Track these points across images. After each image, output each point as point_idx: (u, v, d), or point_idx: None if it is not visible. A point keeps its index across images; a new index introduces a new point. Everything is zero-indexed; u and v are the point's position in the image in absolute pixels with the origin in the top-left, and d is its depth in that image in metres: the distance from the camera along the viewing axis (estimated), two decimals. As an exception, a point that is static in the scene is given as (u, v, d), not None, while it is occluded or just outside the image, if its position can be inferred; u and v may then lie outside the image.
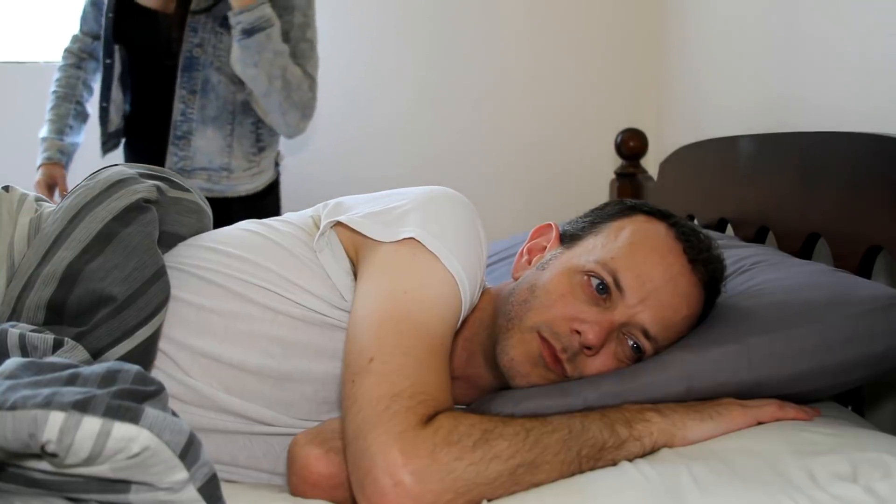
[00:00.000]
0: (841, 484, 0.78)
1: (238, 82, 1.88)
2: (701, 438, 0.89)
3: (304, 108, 1.89)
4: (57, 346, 0.83)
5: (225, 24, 1.85)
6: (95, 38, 2.04)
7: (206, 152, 1.91)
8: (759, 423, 0.92)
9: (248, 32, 1.78)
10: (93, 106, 2.06)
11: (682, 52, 2.22)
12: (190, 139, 1.90)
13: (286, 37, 1.85)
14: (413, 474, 0.73)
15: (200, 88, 1.88)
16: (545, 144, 2.50)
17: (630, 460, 0.84)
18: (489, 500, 0.77)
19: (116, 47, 1.94)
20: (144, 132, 1.99)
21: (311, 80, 1.89)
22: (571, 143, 2.49)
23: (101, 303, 0.89)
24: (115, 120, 1.98)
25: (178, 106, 1.89)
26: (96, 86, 2.05)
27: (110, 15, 1.91)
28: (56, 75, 2.07)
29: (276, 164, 2.06)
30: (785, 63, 1.60)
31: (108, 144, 2.01)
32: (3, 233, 0.97)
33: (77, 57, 2.08)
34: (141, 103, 1.98)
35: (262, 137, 1.96)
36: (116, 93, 1.96)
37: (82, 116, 2.09)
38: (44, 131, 2.05)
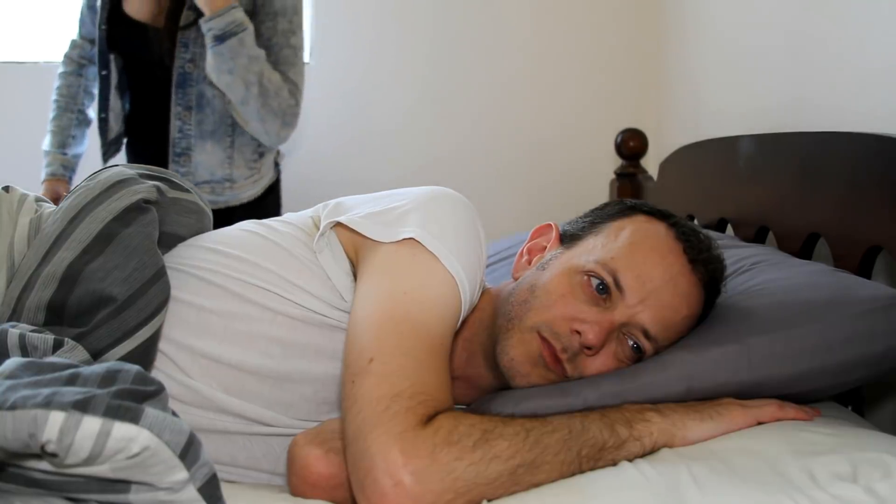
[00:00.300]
0: (841, 484, 0.78)
1: None
2: (701, 438, 0.89)
3: (285, 115, 1.86)
4: (57, 346, 0.83)
5: None
6: (93, 42, 2.03)
7: (207, 166, 1.91)
8: (759, 423, 0.92)
9: (220, 38, 1.76)
10: (95, 111, 2.06)
11: (682, 53, 2.22)
12: (190, 155, 1.90)
13: (269, 43, 1.84)
14: (413, 474, 0.73)
15: (196, 104, 1.88)
16: (545, 144, 2.50)
17: (630, 460, 0.84)
18: (489, 500, 0.77)
19: (112, 57, 1.94)
20: (144, 136, 1.99)
21: (294, 86, 1.87)
22: (572, 144, 2.49)
23: (101, 303, 0.89)
24: (115, 127, 1.98)
25: (174, 123, 1.88)
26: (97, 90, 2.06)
27: (103, 27, 1.91)
28: (56, 83, 2.07)
29: (276, 165, 2.06)
30: (784, 63, 1.60)
31: (108, 153, 2.01)
32: (3, 233, 0.97)
33: (77, 64, 2.07)
34: (139, 109, 1.98)
35: (261, 143, 1.96)
36: (115, 101, 1.96)
37: (85, 123, 2.09)
38: (46, 144, 2.05)
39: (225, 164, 1.92)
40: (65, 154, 2.04)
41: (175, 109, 1.88)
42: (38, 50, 2.44)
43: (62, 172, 2.03)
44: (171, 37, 1.85)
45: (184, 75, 1.86)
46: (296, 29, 1.88)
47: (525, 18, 2.47)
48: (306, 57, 2.44)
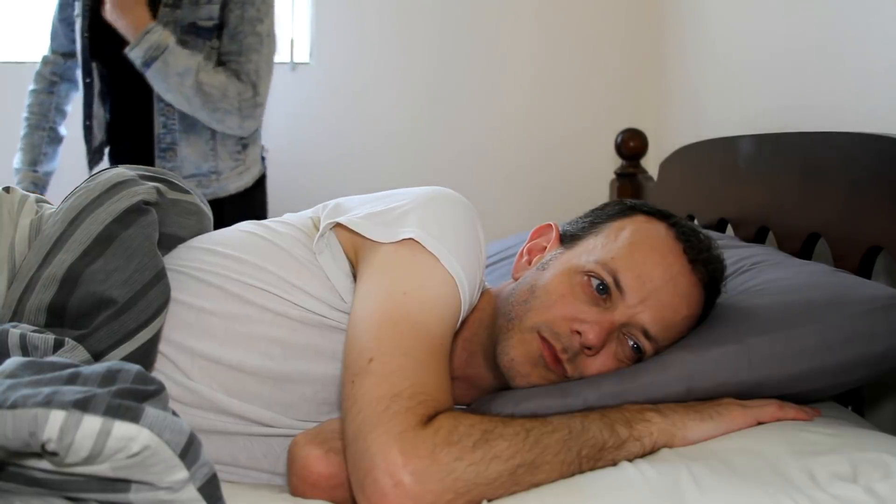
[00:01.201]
0: (841, 484, 0.78)
1: None
2: (701, 438, 0.89)
3: (241, 109, 1.87)
4: (58, 345, 0.84)
5: (189, 31, 1.86)
6: (67, 55, 2.05)
7: (192, 160, 1.93)
8: (759, 423, 0.92)
9: (145, 65, 1.80)
10: (68, 127, 2.07)
11: (682, 53, 2.22)
12: (175, 150, 1.92)
13: (235, 31, 1.85)
14: (413, 474, 0.73)
15: None
16: (545, 145, 2.50)
17: (630, 460, 0.84)
18: (489, 501, 0.77)
19: (94, 65, 1.95)
20: (127, 142, 2.00)
21: (255, 76, 1.87)
22: (572, 144, 2.49)
23: (101, 305, 0.89)
24: (99, 136, 1.99)
25: (158, 119, 1.91)
26: (70, 107, 2.08)
27: (86, 35, 1.92)
28: (28, 100, 2.08)
29: (263, 159, 2.07)
30: (784, 63, 1.60)
31: (94, 160, 2.02)
32: (4, 234, 0.97)
33: (48, 81, 2.08)
34: (121, 113, 1.99)
35: (244, 135, 1.97)
36: (98, 109, 1.97)
37: (56, 141, 2.09)
38: (17, 161, 2.06)
39: (209, 156, 1.94)
40: (35, 171, 2.05)
41: (158, 105, 1.90)
42: (37, 50, 2.43)
43: (32, 190, 2.03)
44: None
45: None
46: (263, 17, 1.89)
47: (526, 19, 2.47)
48: (306, 57, 2.45)
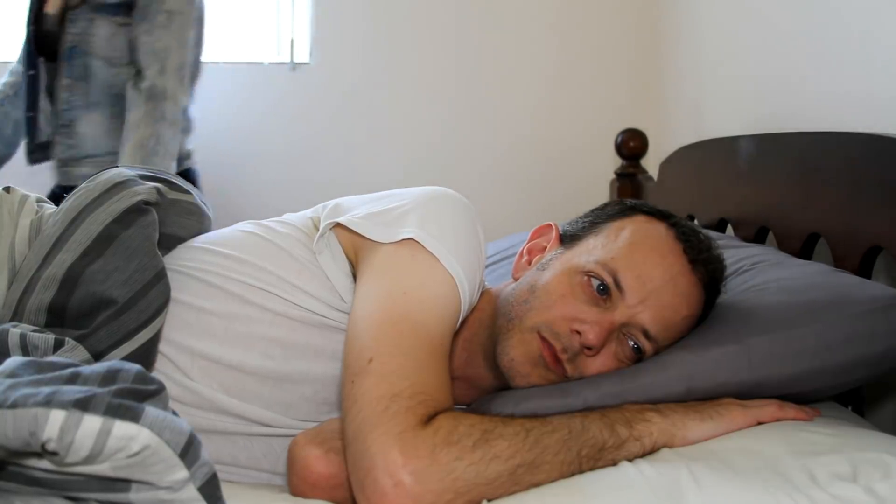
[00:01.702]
0: (841, 484, 0.78)
1: (117, 64, 1.88)
2: (701, 438, 0.89)
3: (152, 114, 1.83)
4: (58, 345, 0.84)
5: (97, 9, 1.86)
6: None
7: (91, 137, 1.91)
8: (759, 423, 0.92)
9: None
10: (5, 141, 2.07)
11: (682, 53, 2.22)
12: (75, 126, 1.91)
13: (146, 10, 1.83)
14: (413, 474, 0.73)
15: (83, 75, 1.89)
16: (545, 144, 2.50)
17: (630, 460, 0.84)
18: (489, 500, 0.77)
19: (41, 60, 1.94)
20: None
21: (161, 54, 1.85)
22: (571, 144, 2.49)
23: (101, 306, 0.89)
24: (46, 129, 1.97)
25: (62, 96, 1.90)
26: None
27: (31, 27, 1.93)
28: None
29: (181, 159, 1.99)
30: (784, 64, 1.60)
31: (35, 154, 1.99)
32: (4, 235, 0.97)
33: (3, 95, 2.05)
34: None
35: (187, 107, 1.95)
36: (45, 103, 1.96)
37: None
38: None
39: (109, 135, 1.91)
40: None
41: (64, 82, 1.90)
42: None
43: None
44: (62, 16, 1.88)
45: (72, 49, 1.88)
46: None
47: (527, 20, 2.47)
48: (306, 57, 2.45)
